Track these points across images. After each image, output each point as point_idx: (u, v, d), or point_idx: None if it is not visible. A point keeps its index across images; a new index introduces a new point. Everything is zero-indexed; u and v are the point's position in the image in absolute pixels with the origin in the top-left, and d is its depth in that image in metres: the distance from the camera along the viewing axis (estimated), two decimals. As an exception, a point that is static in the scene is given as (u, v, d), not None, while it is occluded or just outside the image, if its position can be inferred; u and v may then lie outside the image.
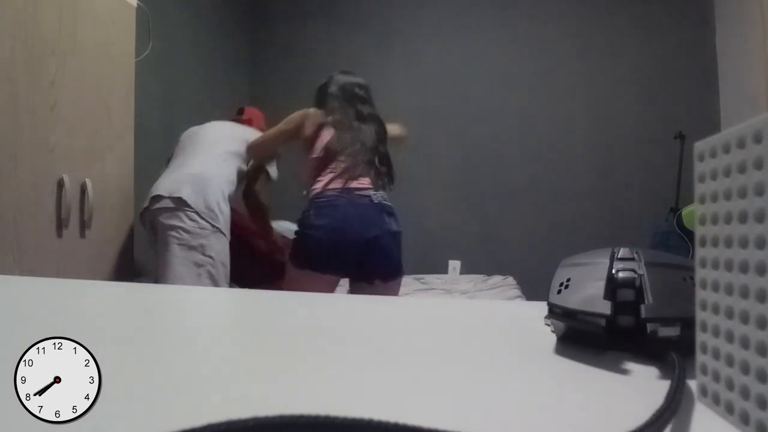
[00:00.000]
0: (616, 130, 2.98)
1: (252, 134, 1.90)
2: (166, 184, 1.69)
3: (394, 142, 1.86)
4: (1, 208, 1.26)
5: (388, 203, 1.67)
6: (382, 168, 1.72)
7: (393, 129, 1.86)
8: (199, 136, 1.89)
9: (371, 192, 1.63)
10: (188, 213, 1.65)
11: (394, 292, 1.70)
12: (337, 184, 1.62)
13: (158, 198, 1.66)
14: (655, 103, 2.93)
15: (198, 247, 1.65)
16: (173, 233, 1.63)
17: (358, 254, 1.58)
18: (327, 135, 1.70)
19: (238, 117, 2.11)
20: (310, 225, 1.59)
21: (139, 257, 1.80)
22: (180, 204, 1.65)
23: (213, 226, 1.69)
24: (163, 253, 1.64)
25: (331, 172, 1.65)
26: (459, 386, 0.25)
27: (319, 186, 1.65)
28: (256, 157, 1.90)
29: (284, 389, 0.24)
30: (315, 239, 1.58)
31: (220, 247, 1.71)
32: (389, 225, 1.63)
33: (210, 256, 1.67)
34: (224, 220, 1.75)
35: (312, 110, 1.78)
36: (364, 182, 1.65)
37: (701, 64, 2.87)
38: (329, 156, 1.67)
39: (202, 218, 1.67)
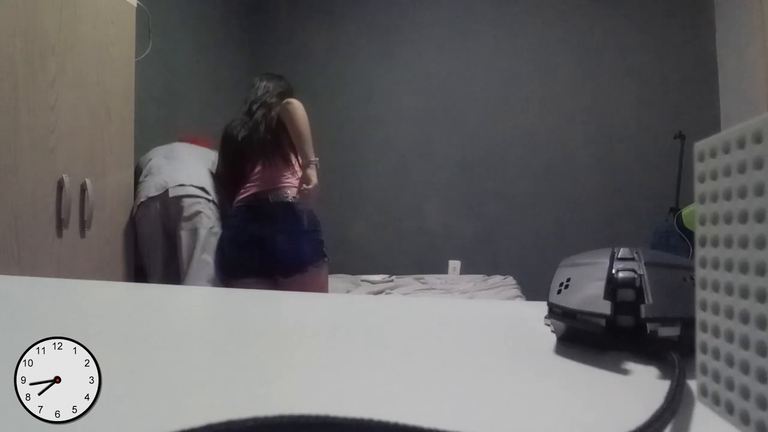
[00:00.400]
0: (616, 130, 2.98)
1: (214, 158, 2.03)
2: (184, 176, 1.79)
3: (291, 123, 1.69)
4: (1, 208, 1.26)
5: (287, 200, 1.69)
6: (280, 166, 1.75)
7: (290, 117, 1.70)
8: (180, 152, 1.97)
9: (270, 194, 1.69)
10: (209, 202, 1.78)
11: (317, 286, 1.70)
12: (244, 194, 1.73)
13: (181, 186, 1.75)
14: (655, 103, 2.93)
15: (216, 234, 1.78)
16: (198, 218, 1.74)
17: (255, 254, 1.66)
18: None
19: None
20: (223, 238, 1.75)
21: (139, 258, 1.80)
22: (203, 193, 1.78)
23: (220, 220, 1.83)
24: (189, 231, 1.73)
25: (244, 184, 1.77)
26: (459, 386, 0.25)
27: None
28: None
29: (284, 389, 0.24)
30: (223, 249, 1.72)
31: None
32: (281, 222, 1.67)
33: (221, 244, 1.79)
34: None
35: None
36: (269, 185, 1.71)
37: (701, 64, 2.86)
38: (245, 169, 1.78)
39: (218, 208, 1.82)
